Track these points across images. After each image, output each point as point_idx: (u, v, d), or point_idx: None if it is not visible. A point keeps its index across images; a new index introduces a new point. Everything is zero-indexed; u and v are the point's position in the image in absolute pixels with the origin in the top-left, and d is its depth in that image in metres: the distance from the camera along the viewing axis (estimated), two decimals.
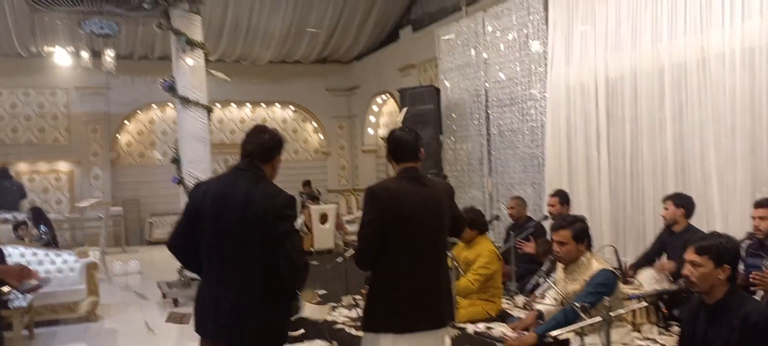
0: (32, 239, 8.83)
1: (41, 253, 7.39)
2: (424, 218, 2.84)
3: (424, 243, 2.84)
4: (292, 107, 16.61)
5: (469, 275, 4.68)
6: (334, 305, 5.65)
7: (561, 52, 7.84)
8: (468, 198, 9.78)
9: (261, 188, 2.75)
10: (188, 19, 8.24)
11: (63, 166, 14.36)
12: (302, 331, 5.06)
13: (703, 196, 6.08)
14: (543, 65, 8.21)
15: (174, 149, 8.65)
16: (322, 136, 16.87)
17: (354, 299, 5.69)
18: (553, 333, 3.20)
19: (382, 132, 14.76)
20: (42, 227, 9.49)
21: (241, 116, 16.14)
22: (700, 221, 5.66)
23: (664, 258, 5.24)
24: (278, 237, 2.66)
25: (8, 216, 9.99)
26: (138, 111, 15.07)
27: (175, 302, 7.81)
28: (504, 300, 5.21)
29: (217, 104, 14.29)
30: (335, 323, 5.10)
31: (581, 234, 3.60)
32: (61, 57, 12.46)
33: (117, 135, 14.90)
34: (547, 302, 4.03)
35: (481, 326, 4.31)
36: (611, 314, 2.73)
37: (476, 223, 4.77)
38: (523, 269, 5.99)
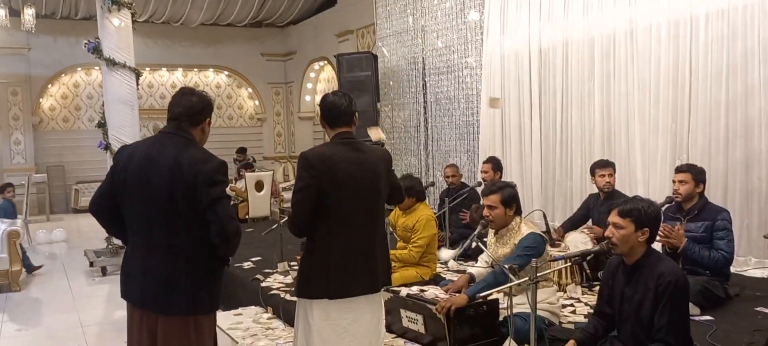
0: None
1: None
2: (359, 184, 2.82)
3: (358, 209, 2.83)
4: (226, 72, 16.21)
5: (410, 248, 4.74)
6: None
7: (496, 21, 7.94)
8: (405, 165, 9.87)
9: (190, 152, 2.66)
10: None
11: None
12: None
13: (627, 162, 6.35)
14: (479, 34, 8.30)
15: (100, 114, 8.30)
16: (257, 103, 16.57)
17: (289, 266, 5.67)
18: (483, 294, 3.28)
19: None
20: None
21: (172, 81, 15.64)
22: (624, 187, 5.90)
23: (589, 223, 5.45)
24: (208, 203, 2.59)
25: None
26: (62, 74, 14.36)
27: (103, 271, 7.59)
28: (438, 266, 5.30)
29: (146, 68, 13.82)
30: (270, 289, 5.07)
31: (510, 199, 3.69)
32: None
33: (39, 99, 14.18)
34: (479, 265, 4.12)
35: (414, 289, 4.38)
36: (538, 274, 2.82)
37: (414, 190, 4.81)
38: (456, 234, 6.11)
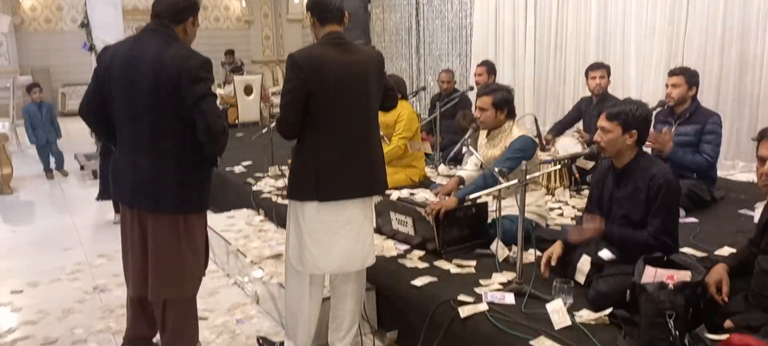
0: None
1: None
2: (349, 86, 2.75)
3: (348, 112, 2.77)
4: None
5: (394, 140, 4.76)
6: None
7: None
8: (396, 69, 9.74)
9: (173, 49, 2.59)
10: None
11: None
12: None
13: (622, 66, 6.29)
14: None
15: (83, 14, 8.05)
16: (244, 4, 16.09)
17: (280, 169, 5.68)
18: (472, 196, 3.31)
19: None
20: None
21: None
22: (617, 90, 5.87)
23: (580, 125, 5.44)
24: (194, 101, 2.55)
25: None
26: None
27: (94, 174, 7.59)
28: (428, 169, 5.33)
29: None
30: (261, 192, 5.10)
31: (502, 103, 3.65)
32: None
33: None
34: (469, 168, 4.14)
35: (404, 192, 4.42)
36: (527, 177, 2.83)
37: (397, 88, 4.78)
38: (447, 139, 6.11)
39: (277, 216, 4.55)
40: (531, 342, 2.37)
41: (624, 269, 2.64)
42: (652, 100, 5.01)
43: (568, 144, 5.05)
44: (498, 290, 2.90)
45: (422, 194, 4.39)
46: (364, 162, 2.85)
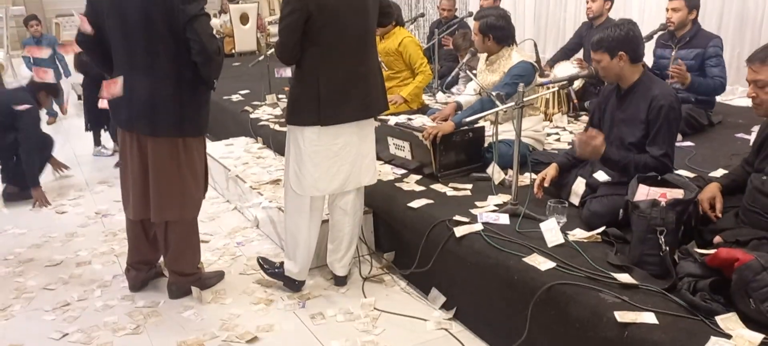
0: None
1: None
2: (348, 9, 2.72)
3: (347, 35, 2.76)
4: None
5: (419, 78, 4.82)
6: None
7: None
8: None
9: None
10: None
11: None
12: None
13: None
14: None
15: None
16: None
17: (277, 97, 5.67)
18: (468, 119, 3.32)
19: None
20: None
21: None
22: (618, 14, 5.76)
23: (580, 54, 5.38)
24: (186, 21, 2.53)
25: None
26: None
27: None
28: (425, 96, 5.31)
29: None
30: (259, 120, 5.11)
31: (486, 28, 3.61)
32: None
33: None
34: (467, 94, 4.12)
35: (402, 118, 4.41)
36: (524, 99, 2.83)
37: (392, 14, 4.73)
38: (445, 67, 6.06)
39: (275, 143, 4.57)
40: (524, 259, 2.43)
41: (618, 190, 2.67)
42: (654, 23, 4.96)
43: (567, 69, 5.02)
44: (493, 211, 2.94)
45: (420, 119, 4.39)
46: (364, 84, 2.86)
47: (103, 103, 3.01)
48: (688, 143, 3.97)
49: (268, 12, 14.43)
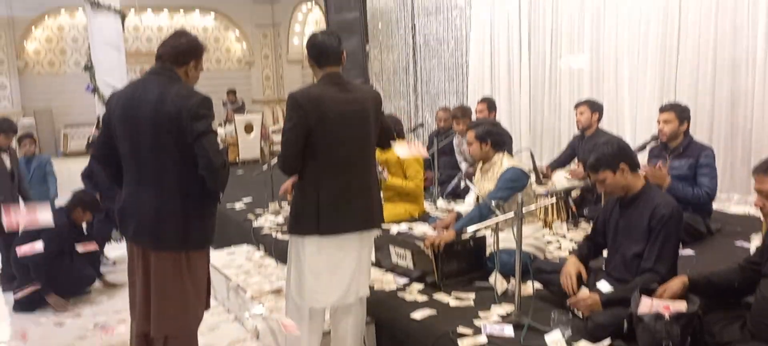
0: None
1: None
2: (348, 123, 2.83)
3: (348, 148, 2.85)
4: (213, 14, 15.94)
5: (413, 179, 4.92)
6: None
7: None
8: (394, 107, 9.86)
9: (175, 89, 2.66)
10: None
11: None
12: None
13: (615, 101, 6.39)
14: None
15: (86, 57, 8.21)
16: (245, 46, 16.36)
17: (280, 206, 5.73)
18: (470, 229, 3.36)
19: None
20: None
21: (158, 24, 15.38)
22: (611, 125, 5.96)
23: (575, 162, 5.50)
24: (194, 137, 2.62)
25: None
26: (45, 16, 14.08)
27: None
28: (426, 204, 5.39)
29: (131, 9, 13.57)
30: (261, 228, 5.14)
31: (484, 135, 3.77)
32: None
33: (24, 42, 13.93)
34: (469, 202, 4.20)
35: (403, 226, 4.46)
36: (523, 209, 2.88)
37: (393, 127, 4.88)
38: (445, 174, 6.17)
39: (277, 252, 4.58)
40: None
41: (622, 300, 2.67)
42: (646, 134, 5.10)
43: (563, 177, 5.11)
44: (497, 322, 2.92)
45: (421, 228, 4.44)
46: (363, 196, 2.91)
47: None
48: (689, 251, 3.98)
49: (272, 121, 14.83)
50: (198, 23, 15.85)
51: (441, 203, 5.63)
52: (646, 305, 2.40)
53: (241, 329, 4.04)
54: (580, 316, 2.88)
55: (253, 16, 16.04)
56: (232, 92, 13.04)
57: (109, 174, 2.94)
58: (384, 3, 9.83)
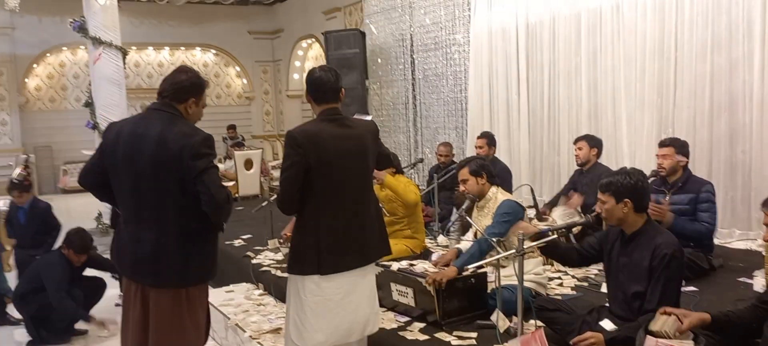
0: None
1: None
2: (347, 159, 2.82)
3: (347, 185, 2.84)
4: (213, 51, 16.09)
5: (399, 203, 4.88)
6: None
7: None
8: (393, 143, 9.89)
9: (176, 127, 2.67)
10: None
11: None
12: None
13: (613, 137, 6.42)
14: (467, 10, 8.29)
15: (87, 93, 8.26)
16: (245, 81, 16.48)
17: (279, 243, 5.70)
18: (471, 266, 3.34)
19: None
20: None
21: (159, 60, 15.52)
22: (610, 161, 5.97)
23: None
24: (197, 175, 2.62)
25: None
26: (47, 53, 14.21)
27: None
28: (427, 240, 5.37)
29: (132, 47, 13.71)
30: (261, 266, 5.11)
31: (478, 169, 3.81)
32: None
33: (25, 79, 14.04)
34: (466, 240, 4.18)
35: (404, 263, 4.44)
36: (524, 246, 2.87)
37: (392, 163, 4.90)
38: (445, 210, 6.16)
39: (277, 290, 4.54)
40: None
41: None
42: (645, 170, 5.09)
43: (562, 212, 5.10)
44: None
45: (421, 265, 4.41)
46: (363, 232, 2.89)
47: None
48: (692, 288, 3.95)
49: (272, 156, 14.86)
50: (198, 59, 15.99)
51: (442, 239, 5.61)
52: (651, 344, 2.37)
53: None
54: None
55: (253, 52, 16.19)
56: (231, 128, 13.09)
57: (97, 195, 2.92)
58: (383, 39, 9.94)
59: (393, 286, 3.77)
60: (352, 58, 9.84)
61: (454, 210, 5.71)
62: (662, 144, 4.49)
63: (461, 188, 3.89)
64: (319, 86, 2.88)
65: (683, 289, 3.83)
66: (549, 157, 7.30)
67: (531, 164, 7.53)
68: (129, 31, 11.73)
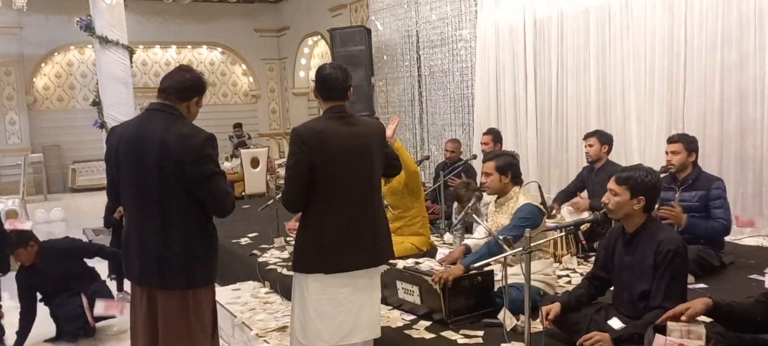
0: None
1: None
2: (352, 158, 2.80)
3: (352, 183, 2.82)
4: (219, 49, 16.11)
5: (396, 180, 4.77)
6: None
7: None
8: (400, 139, 9.85)
9: (177, 128, 2.65)
10: None
11: None
12: None
13: (623, 133, 6.35)
14: (473, 5, 8.24)
15: (95, 92, 8.28)
16: (251, 79, 16.49)
17: (285, 241, 5.69)
18: (478, 265, 3.30)
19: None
20: None
21: (166, 59, 15.55)
22: (619, 157, 5.91)
23: (584, 194, 5.44)
24: (201, 180, 2.60)
25: None
26: (55, 52, 14.27)
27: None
28: (433, 238, 5.33)
29: (139, 46, 13.74)
30: (267, 264, 5.10)
31: (505, 167, 3.71)
32: None
33: (33, 78, 14.10)
34: (476, 237, 4.14)
35: (410, 261, 4.41)
36: (532, 244, 2.83)
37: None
38: (452, 208, 6.13)
39: (283, 288, 4.53)
40: None
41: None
42: (654, 166, 5.04)
43: (570, 210, 5.06)
44: None
45: (427, 263, 4.38)
46: (368, 232, 2.87)
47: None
48: (702, 285, 3.91)
49: (278, 154, 14.87)
50: (205, 57, 16.01)
51: (448, 236, 5.57)
52: (660, 343, 2.34)
53: None
54: None
55: (259, 49, 16.20)
56: (237, 126, 13.11)
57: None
58: (389, 36, 9.90)
59: (399, 284, 3.74)
60: (357, 55, 9.82)
61: (454, 204, 5.65)
62: (671, 140, 4.43)
63: (483, 179, 3.84)
64: (328, 83, 2.86)
65: (694, 286, 3.81)
66: (557, 153, 7.25)
67: (539, 161, 7.48)
68: (135, 30, 11.75)
